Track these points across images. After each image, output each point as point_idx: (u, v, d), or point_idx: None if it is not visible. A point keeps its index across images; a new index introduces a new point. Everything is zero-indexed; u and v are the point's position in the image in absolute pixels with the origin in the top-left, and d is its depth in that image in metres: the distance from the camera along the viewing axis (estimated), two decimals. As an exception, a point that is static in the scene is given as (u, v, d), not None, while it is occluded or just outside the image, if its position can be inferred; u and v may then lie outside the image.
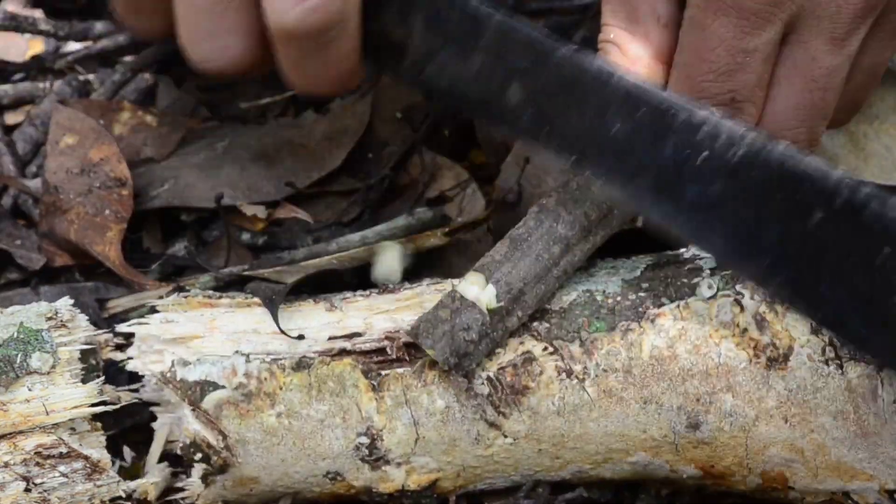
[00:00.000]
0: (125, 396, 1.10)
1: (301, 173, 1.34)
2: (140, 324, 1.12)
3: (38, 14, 1.53)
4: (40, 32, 1.47)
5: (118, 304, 1.24)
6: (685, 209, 0.96)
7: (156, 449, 1.12)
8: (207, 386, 1.07)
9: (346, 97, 1.41)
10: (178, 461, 1.11)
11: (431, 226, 1.32)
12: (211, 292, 1.14)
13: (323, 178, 1.36)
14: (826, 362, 0.99)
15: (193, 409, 1.07)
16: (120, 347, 1.13)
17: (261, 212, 1.33)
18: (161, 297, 1.14)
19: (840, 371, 0.99)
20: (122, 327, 1.12)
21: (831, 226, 0.90)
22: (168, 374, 1.08)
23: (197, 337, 1.10)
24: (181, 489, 1.11)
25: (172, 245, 1.34)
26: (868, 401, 0.98)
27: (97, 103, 1.42)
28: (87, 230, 1.26)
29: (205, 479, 1.08)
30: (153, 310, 1.12)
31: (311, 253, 1.29)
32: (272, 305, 1.10)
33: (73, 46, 1.52)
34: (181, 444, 1.08)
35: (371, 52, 1.06)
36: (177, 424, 1.12)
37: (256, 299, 1.12)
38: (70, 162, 1.32)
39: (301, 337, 1.08)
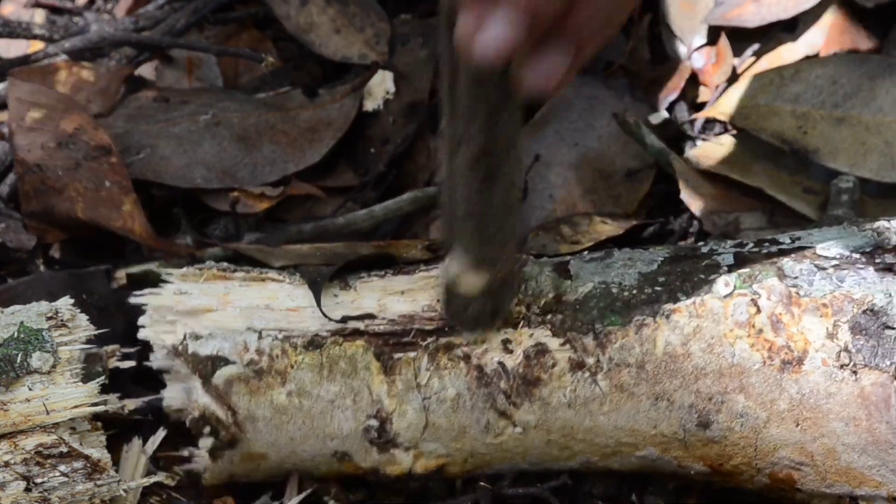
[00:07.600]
0: (130, 405, 1.10)
1: (278, 163, 1.31)
2: (153, 294, 1.12)
3: (35, 17, 1.51)
4: (34, 37, 1.44)
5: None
6: None
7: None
8: (219, 361, 1.07)
9: (339, 87, 1.37)
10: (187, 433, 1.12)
11: (438, 202, 1.31)
12: (226, 264, 1.13)
13: (322, 176, 1.33)
14: (840, 367, 0.99)
15: (204, 384, 1.07)
16: (127, 357, 1.13)
17: (269, 190, 1.30)
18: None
19: (854, 377, 0.98)
20: (135, 297, 1.12)
21: None
22: (180, 347, 1.08)
23: (210, 310, 1.10)
24: (189, 460, 1.12)
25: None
26: (881, 409, 0.98)
27: (37, 69, 1.36)
28: (97, 207, 1.22)
29: (213, 452, 1.09)
30: (165, 280, 1.12)
31: (318, 228, 1.28)
32: (317, 287, 1.09)
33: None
34: (190, 418, 1.08)
35: None
36: (187, 395, 1.12)
37: (271, 273, 1.12)
38: (42, 137, 1.26)
39: (344, 320, 1.07)
